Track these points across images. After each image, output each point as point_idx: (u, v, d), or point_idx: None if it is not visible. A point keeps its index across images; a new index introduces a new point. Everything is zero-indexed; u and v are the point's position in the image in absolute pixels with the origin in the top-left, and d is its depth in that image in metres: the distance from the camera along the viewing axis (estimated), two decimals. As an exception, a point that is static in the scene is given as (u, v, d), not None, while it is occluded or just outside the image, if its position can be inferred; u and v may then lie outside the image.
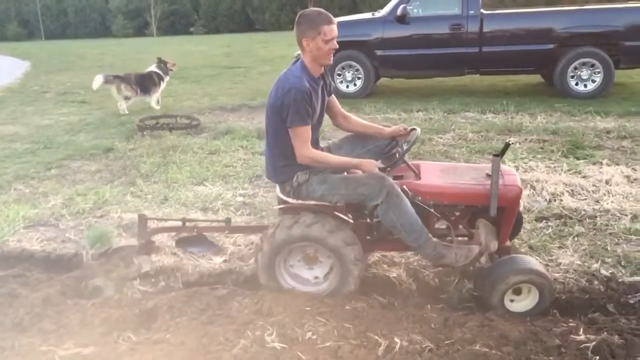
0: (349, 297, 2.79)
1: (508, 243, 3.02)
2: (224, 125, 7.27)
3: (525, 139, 5.94)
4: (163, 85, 8.83)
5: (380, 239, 2.98)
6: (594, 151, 5.40)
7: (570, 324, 2.52)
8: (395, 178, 2.84)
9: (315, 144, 2.90)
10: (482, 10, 8.25)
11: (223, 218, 3.44)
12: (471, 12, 8.19)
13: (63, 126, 7.68)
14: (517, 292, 2.74)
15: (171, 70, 9.02)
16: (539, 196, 4.30)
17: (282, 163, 2.85)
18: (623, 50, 7.79)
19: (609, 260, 3.29)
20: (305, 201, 2.86)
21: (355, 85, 8.83)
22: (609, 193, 4.25)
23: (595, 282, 3.03)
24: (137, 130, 6.97)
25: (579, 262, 3.27)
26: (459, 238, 3.00)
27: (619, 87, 8.64)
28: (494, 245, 2.85)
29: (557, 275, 3.11)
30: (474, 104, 7.85)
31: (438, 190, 2.86)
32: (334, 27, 2.70)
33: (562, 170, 4.84)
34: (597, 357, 2.25)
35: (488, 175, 2.82)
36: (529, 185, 4.41)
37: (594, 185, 4.43)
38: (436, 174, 2.98)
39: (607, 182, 4.46)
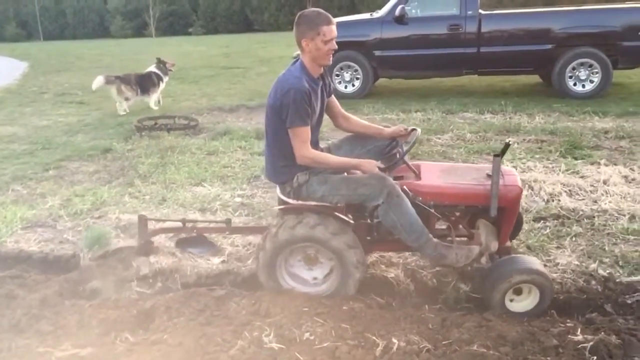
0: (346, 298, 2.79)
1: (508, 243, 3.03)
2: (222, 125, 7.27)
3: (524, 139, 5.95)
4: (162, 85, 8.84)
5: (381, 240, 2.98)
6: (591, 151, 5.40)
7: (567, 324, 2.52)
8: (395, 178, 2.84)
9: (315, 144, 2.90)
10: (480, 11, 8.26)
11: (221, 219, 3.44)
12: (469, 12, 8.20)
13: (61, 127, 7.67)
14: (518, 292, 2.74)
15: (170, 70, 9.03)
16: (536, 196, 4.30)
17: (282, 164, 2.85)
18: (621, 51, 7.81)
19: (607, 260, 3.29)
20: (305, 202, 2.86)
21: (353, 85, 8.83)
22: (606, 193, 4.26)
23: (593, 282, 3.03)
24: (136, 131, 6.97)
25: (576, 262, 3.27)
26: (459, 238, 3.00)
27: (617, 88, 8.65)
28: (494, 246, 2.86)
29: (554, 275, 3.11)
30: (472, 105, 7.86)
31: (438, 190, 2.86)
32: (334, 27, 2.70)
33: (560, 170, 4.84)
34: (595, 358, 2.25)
35: (488, 176, 2.82)
36: (527, 186, 4.41)
37: (591, 186, 4.43)
38: (436, 175, 2.98)
39: (604, 182, 4.47)
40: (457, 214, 3.01)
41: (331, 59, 2.77)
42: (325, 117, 3.02)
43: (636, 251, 3.39)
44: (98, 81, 8.35)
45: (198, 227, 3.37)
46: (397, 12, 8.30)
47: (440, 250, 2.77)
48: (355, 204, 2.82)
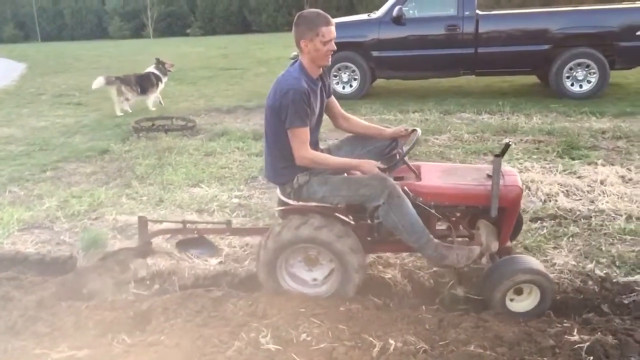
0: (343, 299, 2.78)
1: (509, 244, 3.03)
2: (220, 126, 7.27)
3: (521, 140, 5.95)
4: (161, 85, 8.85)
5: (381, 240, 2.98)
6: (589, 151, 5.41)
7: (564, 325, 2.52)
8: (395, 179, 2.83)
9: (314, 145, 2.90)
10: (477, 11, 8.27)
11: (219, 220, 3.43)
12: (467, 13, 8.22)
13: (59, 128, 7.66)
14: (518, 292, 2.74)
15: (169, 71, 9.03)
16: (534, 196, 4.31)
17: (282, 164, 2.85)
18: (618, 51, 7.82)
19: (604, 260, 3.30)
20: (306, 202, 2.85)
21: (351, 86, 8.84)
22: (603, 193, 4.26)
23: (590, 283, 3.03)
24: (133, 132, 6.97)
25: (573, 263, 3.27)
26: (460, 239, 3.00)
27: (614, 88, 8.66)
28: (494, 246, 2.86)
29: (551, 275, 3.11)
30: (469, 105, 7.86)
31: (439, 191, 2.86)
32: (332, 28, 2.70)
33: (557, 170, 4.85)
34: (591, 358, 2.25)
35: (489, 176, 2.82)
36: (524, 186, 4.41)
37: (589, 186, 4.44)
38: (437, 175, 2.98)
39: (602, 183, 4.47)
40: (458, 214, 3.00)
41: (330, 59, 2.77)
42: (325, 117, 3.02)
43: (633, 251, 3.39)
44: (98, 82, 8.36)
45: (199, 228, 3.36)
46: (395, 12, 8.31)
47: (441, 251, 2.77)
48: (356, 204, 2.82)
